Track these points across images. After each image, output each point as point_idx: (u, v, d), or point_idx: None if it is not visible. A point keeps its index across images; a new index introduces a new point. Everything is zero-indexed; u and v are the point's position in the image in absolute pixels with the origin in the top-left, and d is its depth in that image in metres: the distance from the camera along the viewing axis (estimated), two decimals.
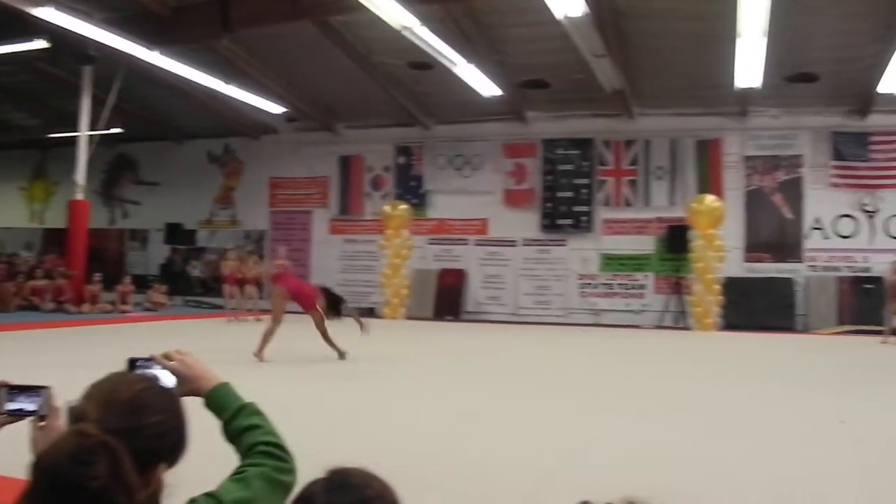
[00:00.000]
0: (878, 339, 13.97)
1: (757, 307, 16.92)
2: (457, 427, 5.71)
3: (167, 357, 1.76)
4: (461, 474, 4.31)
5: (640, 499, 1.20)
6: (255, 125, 20.25)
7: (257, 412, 1.75)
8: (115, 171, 22.69)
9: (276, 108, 18.48)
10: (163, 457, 1.36)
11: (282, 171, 20.51)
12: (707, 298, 16.48)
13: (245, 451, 1.66)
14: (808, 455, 4.98)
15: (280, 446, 1.68)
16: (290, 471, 1.64)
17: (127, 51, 14.64)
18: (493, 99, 16.79)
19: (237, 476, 1.58)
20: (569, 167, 18.33)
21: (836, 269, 17.24)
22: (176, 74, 16.14)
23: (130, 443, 1.23)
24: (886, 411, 6.77)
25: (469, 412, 6.36)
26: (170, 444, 1.40)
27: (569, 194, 18.30)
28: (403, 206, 18.49)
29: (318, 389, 7.52)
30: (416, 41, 13.71)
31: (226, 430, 1.72)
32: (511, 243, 18.72)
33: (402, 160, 19.52)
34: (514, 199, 18.67)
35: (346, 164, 19.92)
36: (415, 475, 3.50)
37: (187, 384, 1.73)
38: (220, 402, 1.75)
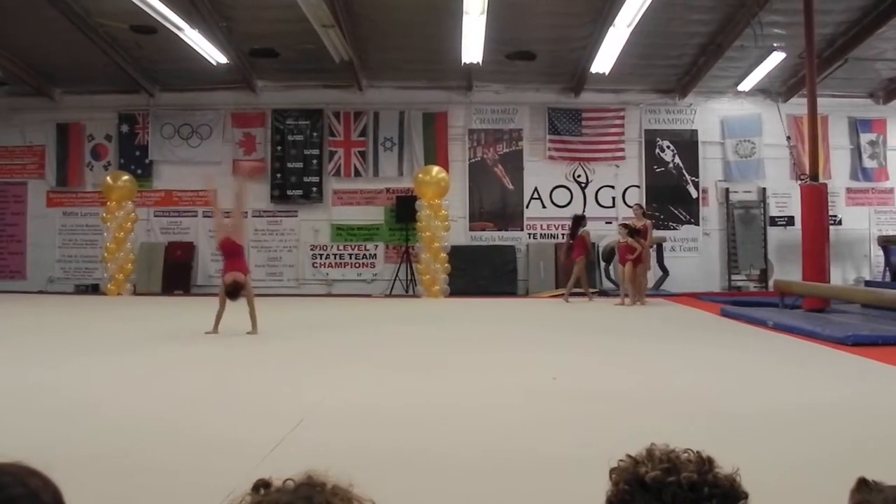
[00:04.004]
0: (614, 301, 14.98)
1: (482, 274, 17.71)
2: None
3: None
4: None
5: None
6: None
7: None
8: None
9: None
10: None
11: None
12: (434, 266, 16.97)
13: None
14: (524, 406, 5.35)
15: None
16: None
17: None
18: (221, 67, 16.31)
19: None
20: (299, 138, 18.21)
21: (553, 236, 18.33)
22: None
23: None
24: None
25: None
26: None
27: (299, 165, 18.19)
28: (127, 177, 17.57)
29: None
30: (138, 3, 13.01)
31: None
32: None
33: (125, 129, 18.48)
34: (243, 169, 18.30)
35: (65, 133, 18.54)
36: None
37: None
38: None
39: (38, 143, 18.69)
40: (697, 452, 1.24)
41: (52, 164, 18.59)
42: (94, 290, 17.85)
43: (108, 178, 17.52)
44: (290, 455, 3.85)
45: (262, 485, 1.12)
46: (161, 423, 4.71)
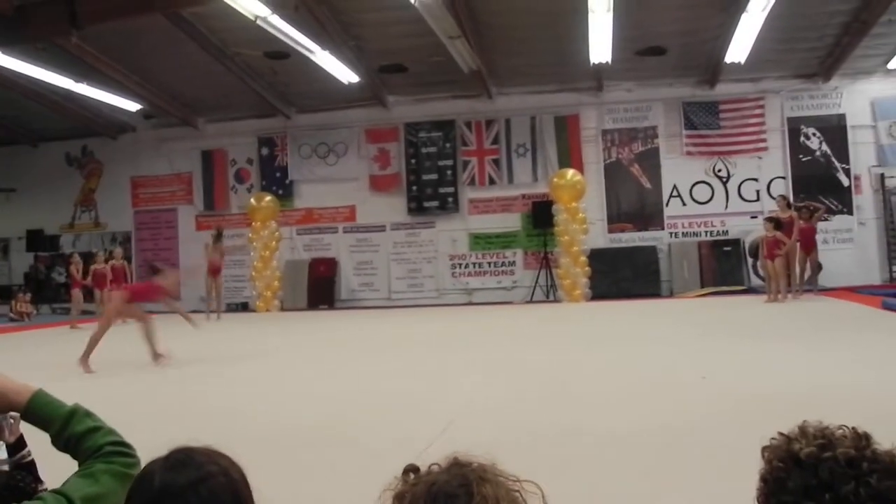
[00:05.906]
0: (763, 298, 14.44)
1: (623, 276, 17.37)
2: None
3: None
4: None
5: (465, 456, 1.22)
6: (113, 124, 19.57)
7: (88, 413, 1.65)
8: None
9: (132, 106, 17.92)
10: None
11: (143, 169, 19.88)
12: (574, 270, 16.78)
13: (88, 456, 1.57)
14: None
15: (124, 443, 1.61)
16: (137, 463, 1.58)
17: None
18: (353, 85, 16.67)
19: (85, 472, 1.53)
20: (432, 149, 18.38)
21: (695, 234, 17.80)
22: (24, 75, 15.41)
23: None
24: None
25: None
26: None
27: (433, 176, 18.36)
28: (269, 198, 18.19)
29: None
30: (271, 31, 13.45)
31: (58, 440, 1.61)
32: (380, 228, 18.68)
33: (265, 151, 19.17)
34: (379, 184, 18.62)
35: (209, 159, 19.43)
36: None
37: None
38: (42, 412, 1.62)
39: (185, 171, 19.63)
40: (853, 428, 1.20)
41: (199, 190, 19.48)
42: (245, 307, 18.53)
43: (252, 199, 18.17)
44: (444, 450, 3.93)
45: (411, 469, 1.18)
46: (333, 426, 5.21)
